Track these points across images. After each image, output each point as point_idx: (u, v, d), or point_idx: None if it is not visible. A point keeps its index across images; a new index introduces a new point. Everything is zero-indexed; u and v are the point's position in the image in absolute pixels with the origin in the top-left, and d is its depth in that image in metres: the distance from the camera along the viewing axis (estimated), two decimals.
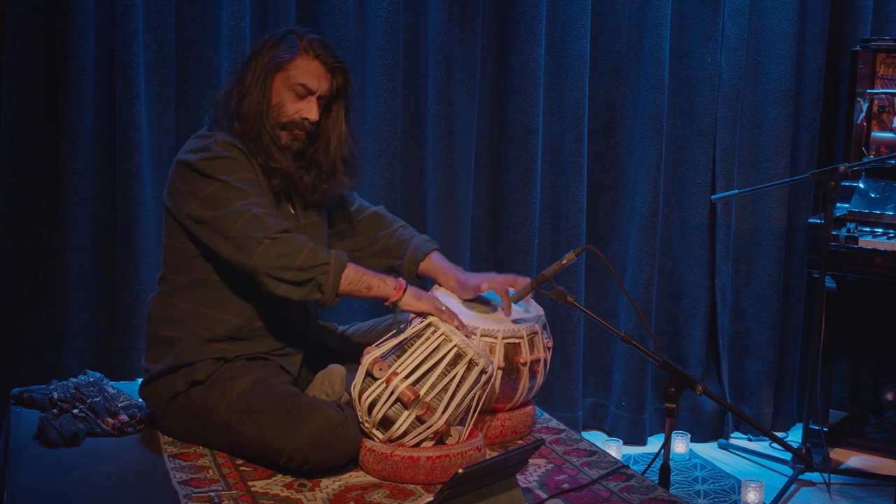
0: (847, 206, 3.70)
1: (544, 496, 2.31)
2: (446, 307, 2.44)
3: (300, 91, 2.47)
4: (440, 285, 2.71)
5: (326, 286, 2.33)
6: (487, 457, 2.39)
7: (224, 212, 2.35)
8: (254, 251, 2.31)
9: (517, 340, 2.58)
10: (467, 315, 2.58)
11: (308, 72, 2.47)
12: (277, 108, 2.47)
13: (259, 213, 2.35)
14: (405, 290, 2.41)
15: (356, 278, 2.38)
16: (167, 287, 2.53)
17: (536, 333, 2.64)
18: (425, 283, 2.76)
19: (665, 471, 2.39)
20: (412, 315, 2.47)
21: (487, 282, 2.63)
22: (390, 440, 2.33)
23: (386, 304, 2.42)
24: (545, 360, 2.67)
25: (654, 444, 3.93)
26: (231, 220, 2.34)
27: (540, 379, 2.67)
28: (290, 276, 2.31)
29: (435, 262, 2.72)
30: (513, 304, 2.64)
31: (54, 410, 2.54)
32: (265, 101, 2.46)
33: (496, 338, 2.55)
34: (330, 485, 2.29)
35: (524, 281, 2.63)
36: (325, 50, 2.50)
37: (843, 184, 3.72)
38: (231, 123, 2.47)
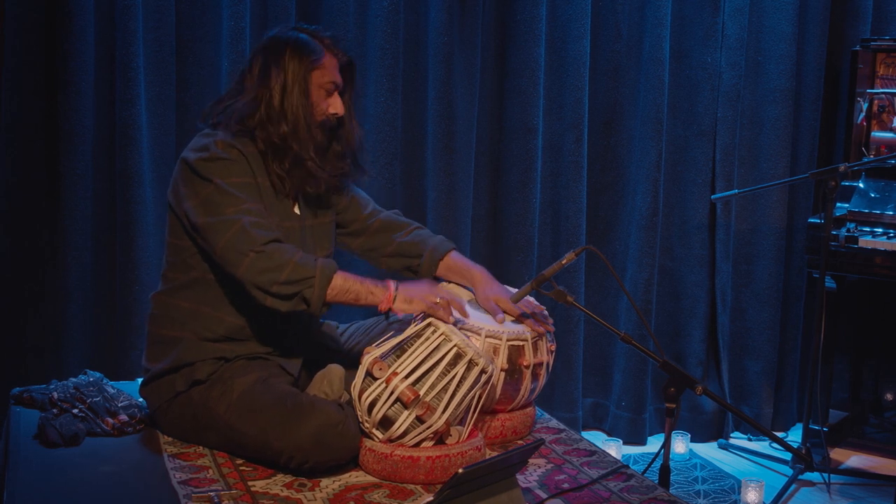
0: (847, 206, 3.69)
1: (544, 496, 2.31)
2: (440, 298, 2.43)
3: (330, 88, 2.53)
4: (451, 282, 2.72)
5: (312, 299, 2.34)
6: (487, 457, 2.39)
7: (214, 220, 2.36)
8: (240, 264, 2.32)
9: (521, 342, 2.57)
10: (473, 314, 2.58)
11: (334, 68, 2.54)
12: (313, 107, 2.51)
13: (247, 224, 2.34)
14: (395, 298, 2.41)
15: (344, 288, 2.38)
16: (168, 285, 2.54)
17: (541, 336, 2.64)
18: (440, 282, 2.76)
19: (665, 471, 2.39)
20: (414, 314, 2.47)
21: (505, 315, 2.63)
22: (390, 440, 2.33)
23: (379, 311, 2.43)
24: (548, 364, 2.66)
25: (654, 444, 3.93)
26: (220, 232, 2.35)
27: (542, 382, 2.66)
28: (275, 289, 2.32)
29: (455, 261, 2.73)
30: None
31: (54, 410, 2.54)
32: (309, 102, 2.49)
33: (501, 339, 2.54)
34: (330, 484, 2.29)
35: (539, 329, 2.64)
36: (338, 45, 2.58)
37: (843, 184, 3.72)
38: (253, 128, 2.47)
